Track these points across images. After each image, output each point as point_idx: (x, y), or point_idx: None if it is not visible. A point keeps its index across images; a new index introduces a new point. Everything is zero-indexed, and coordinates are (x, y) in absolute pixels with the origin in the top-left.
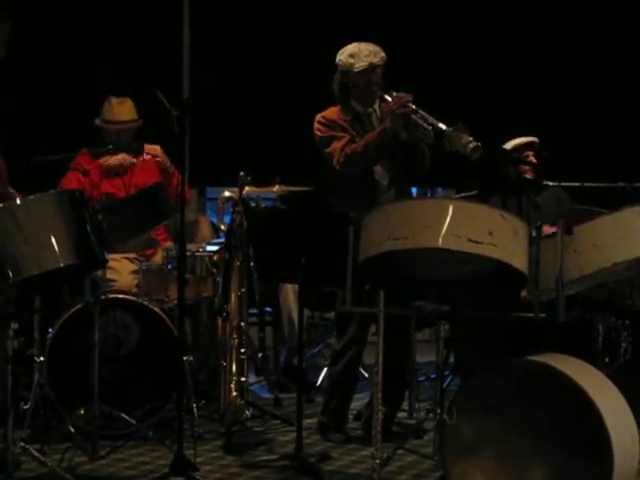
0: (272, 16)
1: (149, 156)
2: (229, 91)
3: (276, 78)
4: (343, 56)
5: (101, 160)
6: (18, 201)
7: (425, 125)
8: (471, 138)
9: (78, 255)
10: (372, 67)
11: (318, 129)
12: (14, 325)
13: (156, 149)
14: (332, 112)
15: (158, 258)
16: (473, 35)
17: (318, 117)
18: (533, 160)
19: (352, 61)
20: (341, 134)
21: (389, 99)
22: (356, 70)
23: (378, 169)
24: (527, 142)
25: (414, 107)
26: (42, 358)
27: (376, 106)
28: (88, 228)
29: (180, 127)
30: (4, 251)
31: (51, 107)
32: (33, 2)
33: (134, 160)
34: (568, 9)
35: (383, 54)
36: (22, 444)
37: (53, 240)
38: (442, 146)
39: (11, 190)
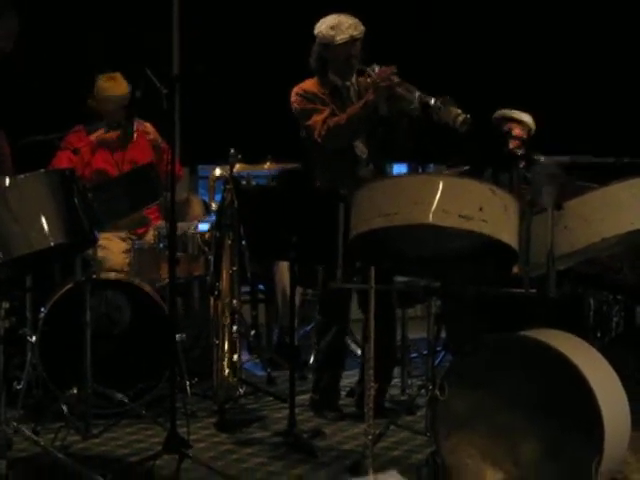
0: None
1: (142, 132)
2: (220, 68)
3: (267, 55)
4: (323, 27)
5: (92, 136)
6: (7, 181)
7: (409, 97)
8: (459, 111)
9: (68, 234)
10: (353, 40)
11: (296, 101)
12: (5, 305)
13: (147, 126)
14: (311, 84)
15: (150, 237)
16: (462, 8)
17: (296, 89)
18: (520, 134)
19: (333, 33)
20: (321, 107)
21: (370, 72)
22: (337, 42)
23: (359, 144)
24: (508, 115)
25: (398, 80)
26: (34, 338)
27: (353, 80)
28: (79, 207)
29: (169, 104)
30: None
31: (41, 87)
32: None
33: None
34: None
35: (363, 27)
36: (15, 424)
37: (43, 219)
38: (430, 119)
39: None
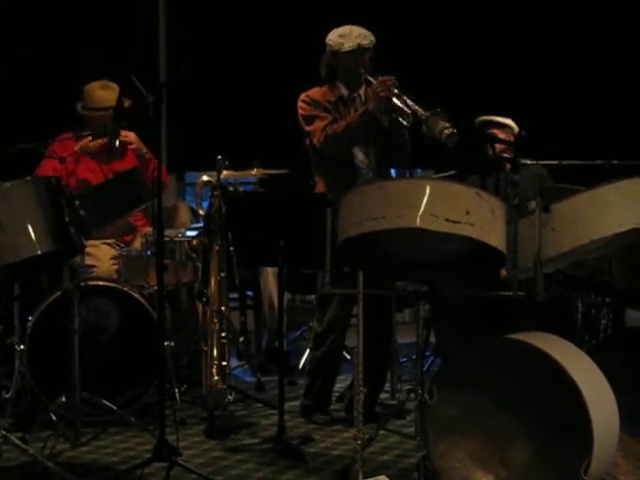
0: None
1: (125, 143)
2: (206, 75)
3: (253, 61)
4: (333, 36)
5: (76, 147)
6: None
7: (405, 109)
8: (447, 124)
9: (55, 242)
10: (360, 49)
11: (301, 107)
12: None
13: (130, 136)
14: (317, 92)
15: (137, 244)
16: (453, 19)
17: (302, 96)
18: (503, 137)
19: (341, 41)
20: (324, 114)
21: (371, 81)
22: (344, 50)
23: (359, 154)
24: (490, 120)
25: (397, 91)
26: (22, 346)
27: (361, 91)
28: (65, 214)
29: (156, 112)
30: None
31: (27, 93)
32: None
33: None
34: None
35: (373, 38)
36: (3, 432)
37: (30, 227)
38: (420, 130)
39: None
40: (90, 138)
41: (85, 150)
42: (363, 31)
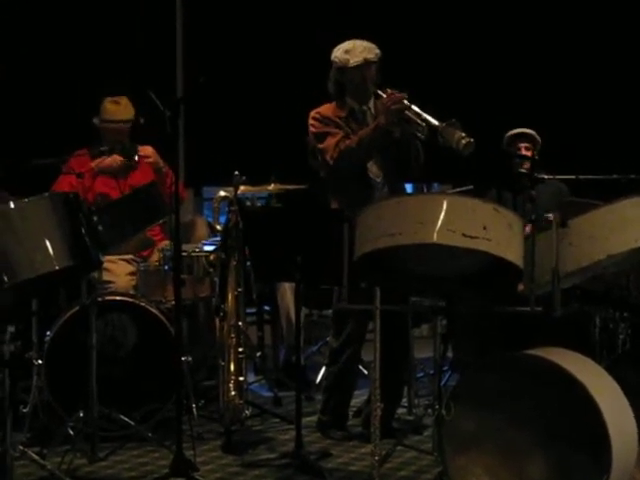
0: (266, 14)
1: (142, 157)
2: (223, 90)
3: (270, 77)
4: (338, 52)
5: (93, 163)
6: (12, 204)
7: (419, 121)
8: (464, 134)
9: (73, 257)
10: (367, 63)
11: (312, 125)
12: (11, 329)
13: (147, 150)
14: (327, 108)
15: (155, 258)
16: (468, 29)
17: (312, 113)
18: (525, 153)
19: (347, 57)
20: (335, 130)
21: (383, 95)
22: (351, 66)
23: (372, 168)
24: (518, 133)
25: (408, 103)
26: (40, 361)
27: (371, 104)
28: (83, 230)
29: (173, 127)
30: None
31: (45, 109)
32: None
33: (124, 160)
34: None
35: (378, 51)
36: (21, 447)
37: (48, 243)
38: (436, 142)
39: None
40: (104, 157)
41: (102, 169)
42: (367, 44)
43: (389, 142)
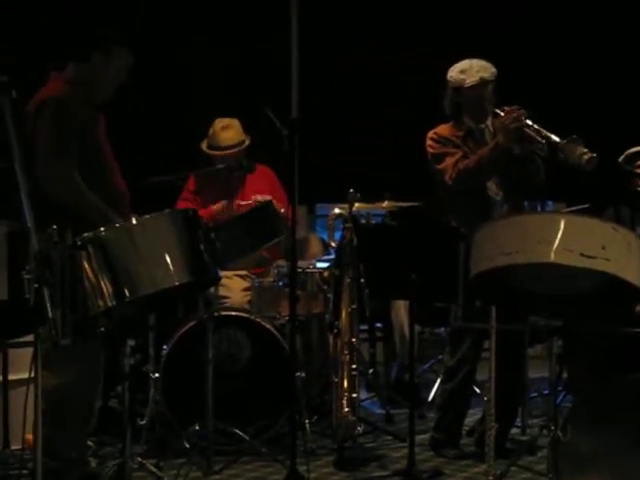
0: (378, 34)
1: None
2: (337, 108)
3: (384, 95)
4: (454, 72)
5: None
6: (134, 220)
7: (538, 138)
8: (586, 149)
9: (192, 273)
10: (483, 82)
11: (430, 146)
12: (131, 342)
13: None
14: (444, 129)
15: (270, 275)
16: (585, 46)
17: (430, 134)
18: None
19: (463, 77)
20: (453, 150)
21: (501, 114)
22: (467, 85)
23: (491, 185)
24: (637, 151)
25: (527, 121)
26: (157, 374)
27: (489, 122)
28: (202, 246)
29: (290, 146)
30: (121, 270)
31: (160, 129)
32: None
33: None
34: None
35: (494, 69)
36: (139, 459)
37: (168, 259)
38: (556, 159)
39: None
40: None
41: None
42: (484, 64)
43: (508, 160)
